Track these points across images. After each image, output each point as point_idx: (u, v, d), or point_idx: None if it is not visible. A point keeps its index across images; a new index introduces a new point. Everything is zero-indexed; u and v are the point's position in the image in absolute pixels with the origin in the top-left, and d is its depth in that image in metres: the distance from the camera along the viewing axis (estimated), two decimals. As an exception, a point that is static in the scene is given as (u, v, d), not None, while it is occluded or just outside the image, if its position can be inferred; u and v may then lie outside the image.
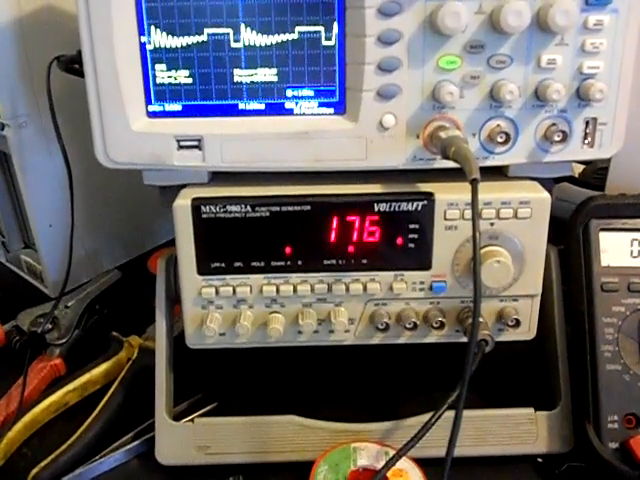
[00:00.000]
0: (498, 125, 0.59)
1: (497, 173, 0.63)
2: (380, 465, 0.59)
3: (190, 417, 0.69)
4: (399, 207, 0.60)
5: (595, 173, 0.92)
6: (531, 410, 0.66)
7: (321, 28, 0.58)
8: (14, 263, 0.96)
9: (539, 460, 0.65)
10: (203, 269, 0.62)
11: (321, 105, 0.61)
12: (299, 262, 0.62)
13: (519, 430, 0.66)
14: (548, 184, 0.63)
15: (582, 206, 0.66)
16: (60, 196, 0.83)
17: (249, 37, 0.58)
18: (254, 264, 0.62)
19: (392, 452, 0.60)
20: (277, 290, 0.63)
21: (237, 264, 0.62)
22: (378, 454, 0.62)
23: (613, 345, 0.63)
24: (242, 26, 0.58)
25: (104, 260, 0.94)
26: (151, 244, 1.00)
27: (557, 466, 0.64)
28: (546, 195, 0.60)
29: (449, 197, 0.60)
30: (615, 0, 0.55)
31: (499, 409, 0.66)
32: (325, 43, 0.58)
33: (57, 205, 0.85)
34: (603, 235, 0.65)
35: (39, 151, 0.82)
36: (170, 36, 0.58)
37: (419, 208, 0.60)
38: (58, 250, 0.87)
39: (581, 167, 0.97)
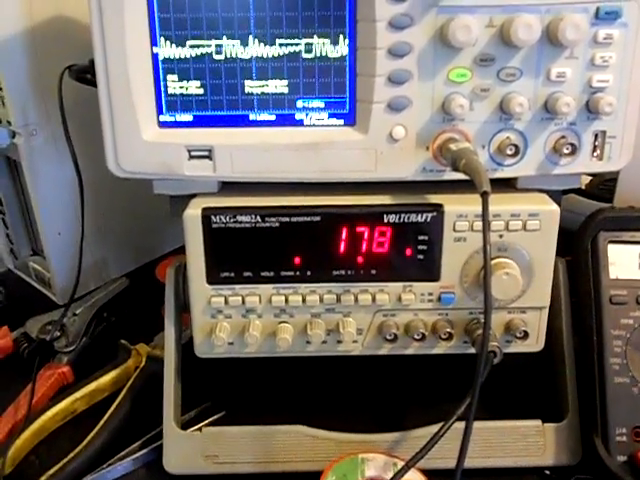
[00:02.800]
0: (507, 137, 0.60)
1: (506, 185, 0.63)
2: (388, 476, 0.59)
3: (198, 426, 0.69)
4: (408, 218, 0.61)
5: (602, 185, 0.92)
6: (539, 422, 0.66)
7: (332, 40, 0.58)
8: (23, 270, 0.96)
9: (547, 472, 0.65)
10: (212, 278, 0.62)
11: (331, 116, 0.61)
12: (308, 272, 0.62)
13: (527, 442, 0.66)
14: (557, 196, 0.63)
15: (590, 219, 0.66)
16: (69, 204, 0.84)
17: (260, 49, 0.59)
18: (263, 274, 0.62)
19: (400, 463, 0.60)
20: (286, 300, 0.63)
21: (246, 274, 0.62)
22: (386, 465, 0.62)
23: (621, 358, 0.63)
24: (253, 37, 0.58)
25: (112, 268, 0.95)
26: (159, 252, 1.00)
27: (565, 478, 0.64)
28: (555, 207, 0.61)
29: (458, 209, 0.60)
30: (625, 14, 0.56)
31: (507, 421, 0.66)
32: (336, 55, 0.59)
33: (66, 213, 0.85)
34: (611, 248, 0.65)
35: (49, 159, 0.82)
36: (182, 47, 0.59)
37: (428, 219, 0.60)
38: (67, 258, 0.87)
39: (588, 178, 0.97)
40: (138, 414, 0.71)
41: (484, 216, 0.53)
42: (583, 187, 0.95)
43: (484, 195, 0.53)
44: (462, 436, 0.55)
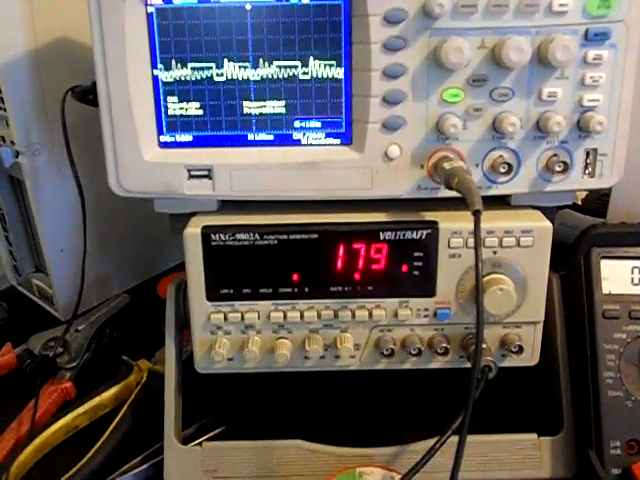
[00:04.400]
0: (500, 156, 0.61)
1: (500, 202, 0.64)
2: (385, 490, 0.60)
3: (198, 441, 0.70)
4: (404, 235, 0.62)
5: (598, 199, 0.93)
6: (535, 436, 0.67)
7: (328, 62, 0.60)
8: (26, 287, 0.97)
9: (543, 485, 0.66)
10: (212, 295, 0.63)
11: (328, 136, 0.62)
12: (306, 289, 0.63)
13: (523, 455, 0.66)
14: (550, 212, 0.64)
15: (583, 234, 0.67)
16: (71, 222, 0.85)
17: (258, 70, 0.60)
18: (262, 291, 0.63)
19: (398, 477, 0.61)
20: (284, 316, 0.64)
21: (245, 291, 0.63)
22: (384, 479, 0.62)
23: (615, 372, 0.64)
24: (251, 60, 0.60)
25: (114, 284, 0.96)
26: (160, 269, 1.01)
27: (561, 491, 0.65)
28: (548, 224, 0.62)
29: (453, 226, 0.61)
30: (613, 35, 0.57)
31: (503, 434, 0.67)
32: (332, 76, 0.60)
33: (69, 230, 0.86)
34: (604, 263, 0.66)
35: (52, 178, 0.84)
36: (182, 69, 0.60)
37: (423, 236, 0.62)
38: (69, 274, 0.88)
39: (584, 193, 0.98)
40: (139, 429, 0.72)
41: (476, 234, 0.54)
42: (579, 202, 0.96)
43: (476, 213, 0.54)
44: (456, 450, 0.55)
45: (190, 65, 0.60)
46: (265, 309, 0.64)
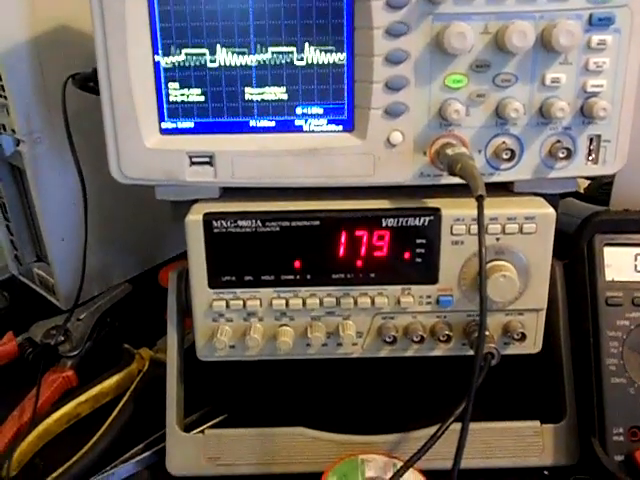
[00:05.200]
0: (504, 142, 0.60)
1: (503, 189, 0.64)
2: (388, 477, 0.59)
3: (200, 428, 0.70)
4: (406, 222, 0.62)
5: (600, 188, 0.93)
6: (537, 423, 0.67)
7: (330, 48, 0.59)
8: (27, 276, 0.97)
9: (545, 473, 0.66)
10: (214, 283, 0.63)
11: (330, 122, 0.62)
12: (308, 276, 0.63)
13: (525, 443, 0.66)
14: (553, 200, 0.64)
15: (586, 222, 0.67)
16: (73, 211, 0.85)
17: (259, 56, 0.60)
18: (264, 278, 0.63)
19: (400, 464, 0.61)
20: (286, 303, 0.64)
21: (247, 278, 0.63)
22: (386, 466, 0.62)
23: (618, 359, 0.64)
24: (253, 45, 0.59)
25: (115, 273, 0.96)
26: (161, 257, 1.01)
27: (563, 478, 0.65)
28: (551, 211, 0.61)
29: (455, 212, 0.61)
30: (617, 20, 0.57)
31: (506, 422, 0.67)
32: (334, 62, 0.60)
33: (70, 219, 0.86)
34: (607, 250, 0.66)
35: (53, 167, 0.83)
36: (183, 55, 0.60)
37: (426, 223, 0.61)
38: (70, 263, 0.88)
39: (587, 182, 0.98)
40: (141, 417, 0.72)
41: (479, 220, 0.54)
42: (582, 190, 0.96)
43: (479, 199, 0.54)
44: (458, 437, 0.55)
45: (191, 51, 0.60)
46: (267, 296, 0.64)
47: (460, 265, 0.62)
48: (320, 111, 0.62)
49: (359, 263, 0.63)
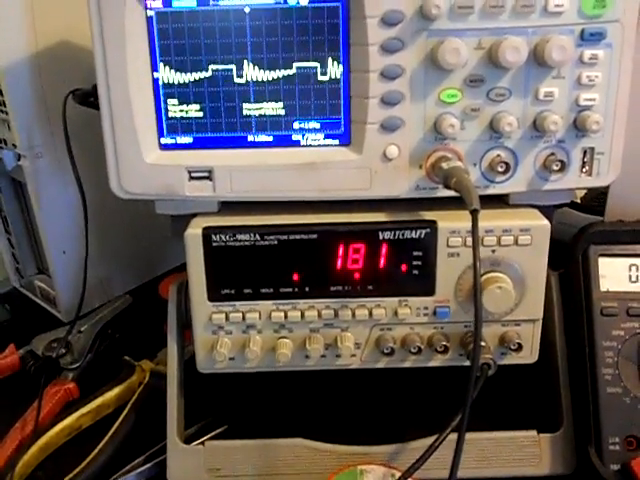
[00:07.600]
0: (498, 155, 0.61)
1: (498, 201, 0.65)
2: (386, 487, 0.60)
3: (201, 440, 0.70)
4: (403, 235, 0.62)
5: (596, 198, 0.94)
6: (534, 432, 0.67)
7: (326, 64, 0.60)
8: (28, 289, 0.98)
9: (542, 482, 0.67)
10: (213, 295, 0.64)
11: (327, 137, 0.63)
12: (306, 288, 0.64)
13: (522, 452, 0.67)
14: (548, 211, 0.64)
15: (581, 232, 0.67)
16: (74, 224, 0.85)
17: (257, 73, 0.61)
18: (263, 291, 0.64)
19: (398, 474, 0.61)
20: (285, 316, 0.64)
21: (246, 291, 0.64)
22: (385, 476, 0.63)
23: (613, 368, 0.64)
24: (250, 62, 0.60)
25: (115, 285, 0.96)
26: (161, 270, 1.02)
27: (560, 488, 0.66)
28: (545, 222, 0.62)
29: (451, 225, 0.62)
30: (609, 35, 0.57)
31: (503, 431, 0.67)
32: (330, 78, 0.61)
33: (71, 232, 0.87)
34: (602, 261, 0.66)
35: (54, 181, 0.84)
36: (181, 72, 0.61)
37: (422, 236, 0.62)
38: (71, 276, 0.89)
39: (583, 192, 0.98)
40: (142, 429, 0.72)
41: (474, 233, 0.54)
42: (578, 201, 0.97)
43: (474, 213, 0.54)
44: (454, 447, 0.56)
45: (190, 68, 0.60)
46: (266, 309, 0.64)
47: (456, 277, 0.63)
48: (317, 126, 0.62)
49: (357, 275, 0.63)
